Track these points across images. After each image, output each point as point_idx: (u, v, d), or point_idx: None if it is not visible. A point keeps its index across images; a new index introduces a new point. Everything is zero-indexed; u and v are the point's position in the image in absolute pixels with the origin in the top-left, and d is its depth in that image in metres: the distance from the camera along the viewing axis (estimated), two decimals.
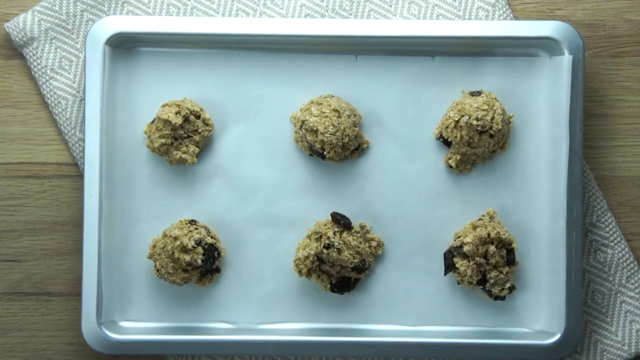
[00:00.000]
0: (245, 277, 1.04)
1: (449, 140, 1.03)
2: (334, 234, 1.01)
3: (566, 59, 1.01)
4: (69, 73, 1.06)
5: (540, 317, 1.03)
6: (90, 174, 1.01)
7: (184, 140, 1.03)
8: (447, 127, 1.03)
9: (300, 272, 1.01)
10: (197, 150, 1.03)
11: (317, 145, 1.02)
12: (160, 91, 1.04)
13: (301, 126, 1.02)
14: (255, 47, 1.04)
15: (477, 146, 1.02)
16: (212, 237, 1.03)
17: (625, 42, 1.07)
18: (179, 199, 1.04)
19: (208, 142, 1.04)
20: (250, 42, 1.03)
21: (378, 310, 1.04)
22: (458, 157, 1.03)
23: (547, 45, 1.02)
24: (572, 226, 1.01)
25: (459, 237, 1.02)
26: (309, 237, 1.02)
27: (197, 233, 1.02)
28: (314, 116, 1.01)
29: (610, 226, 1.06)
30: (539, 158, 1.03)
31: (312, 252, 1.00)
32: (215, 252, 1.02)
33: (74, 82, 1.06)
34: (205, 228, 1.03)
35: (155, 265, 1.03)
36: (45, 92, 1.06)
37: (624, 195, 1.07)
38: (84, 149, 1.01)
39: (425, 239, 1.04)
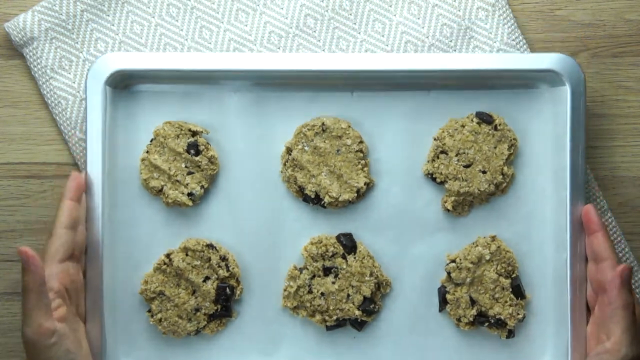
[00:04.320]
0: (249, 318, 1.03)
1: (434, 176, 1.02)
2: (334, 255, 1.02)
3: (567, 91, 1.00)
4: (69, 73, 1.06)
5: (545, 352, 1.02)
6: (93, 214, 1.00)
7: (185, 176, 1.02)
8: (428, 161, 1.03)
9: (288, 305, 1.02)
10: (200, 191, 1.02)
11: (311, 188, 1.02)
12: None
13: (286, 162, 1.03)
14: (254, 83, 1.03)
15: (469, 181, 1.02)
16: (229, 268, 1.02)
17: (625, 42, 1.07)
18: (181, 240, 1.03)
19: (212, 182, 1.04)
20: (247, 78, 1.03)
21: (381, 348, 1.03)
22: (452, 199, 1.02)
23: (547, 77, 1.02)
24: (577, 259, 1.00)
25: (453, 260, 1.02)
26: (298, 269, 1.02)
27: (208, 267, 1.01)
28: (307, 154, 1.02)
29: (610, 226, 1.06)
30: (542, 191, 1.03)
31: (307, 277, 1.01)
32: (230, 291, 1.02)
33: (74, 82, 1.06)
34: (224, 257, 1.02)
35: (152, 310, 1.02)
36: (45, 92, 1.06)
37: (624, 195, 1.07)
38: (86, 191, 1.00)
39: (426, 275, 1.03)
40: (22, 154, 1.07)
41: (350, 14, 1.06)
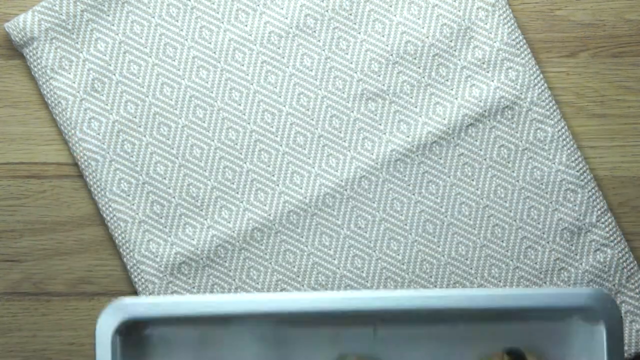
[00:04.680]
0: None
1: None
2: None
3: (603, 331, 0.97)
4: (69, 73, 1.06)
5: None
6: None
7: None
8: None
9: None
10: None
11: None
12: None
13: None
14: (272, 324, 1.01)
15: None
16: None
17: (626, 42, 1.07)
18: None
19: None
20: (265, 320, 1.01)
21: None
22: None
23: (581, 311, 0.99)
24: None
25: None
26: None
27: None
28: None
29: (610, 226, 1.06)
30: None
31: None
32: None
33: (74, 82, 1.06)
34: None
35: None
36: (45, 92, 1.06)
37: (624, 195, 1.07)
38: None
39: None
40: (22, 154, 1.07)
41: (350, 14, 1.06)
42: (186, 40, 1.07)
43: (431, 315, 1.00)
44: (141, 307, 0.97)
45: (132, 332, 1.00)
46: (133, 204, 1.05)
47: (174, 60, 1.07)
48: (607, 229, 1.06)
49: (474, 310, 0.97)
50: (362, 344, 1.01)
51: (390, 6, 1.07)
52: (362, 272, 1.06)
